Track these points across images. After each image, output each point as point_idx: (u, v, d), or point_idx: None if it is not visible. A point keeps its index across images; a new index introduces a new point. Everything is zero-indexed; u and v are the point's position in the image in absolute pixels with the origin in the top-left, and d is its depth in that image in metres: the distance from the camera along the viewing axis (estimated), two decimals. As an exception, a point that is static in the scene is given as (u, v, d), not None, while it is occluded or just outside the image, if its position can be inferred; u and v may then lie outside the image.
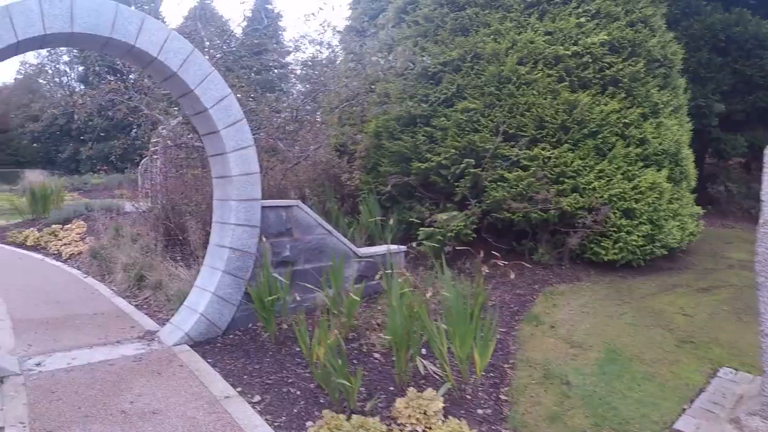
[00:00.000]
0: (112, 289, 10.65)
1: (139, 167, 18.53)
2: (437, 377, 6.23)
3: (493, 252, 9.03)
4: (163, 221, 11.88)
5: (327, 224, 8.80)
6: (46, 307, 9.46)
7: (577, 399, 6.19)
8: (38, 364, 6.65)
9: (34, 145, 61.46)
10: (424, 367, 6.20)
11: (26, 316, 8.86)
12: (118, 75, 14.21)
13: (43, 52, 65.82)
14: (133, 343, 7.45)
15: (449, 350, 6.09)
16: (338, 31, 17.39)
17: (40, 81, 69.72)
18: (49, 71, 69.55)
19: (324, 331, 5.91)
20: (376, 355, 6.90)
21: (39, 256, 14.80)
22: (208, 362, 6.78)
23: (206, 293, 7.62)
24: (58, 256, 14.52)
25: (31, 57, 70.72)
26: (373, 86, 12.21)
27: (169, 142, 13.02)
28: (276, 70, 34.42)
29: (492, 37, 11.02)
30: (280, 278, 7.55)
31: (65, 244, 14.99)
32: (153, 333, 7.86)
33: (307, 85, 13.59)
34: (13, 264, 13.73)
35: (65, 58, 66.24)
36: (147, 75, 12.50)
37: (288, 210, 8.23)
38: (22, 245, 16.45)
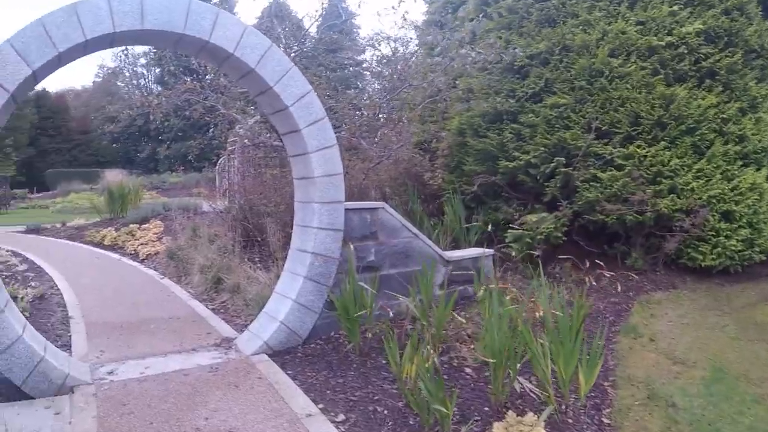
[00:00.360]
0: (189, 292, 10.47)
1: (217, 166, 18.50)
2: (533, 396, 5.76)
3: (584, 256, 8.73)
4: (241, 222, 11.68)
5: (413, 227, 8.36)
6: (121, 309, 9.33)
7: (685, 424, 5.74)
8: (110, 373, 6.40)
9: (114, 145, 63.32)
10: (521, 385, 5.72)
11: (101, 319, 8.73)
12: (194, 75, 14.04)
13: (120, 54, 67.49)
14: (209, 352, 7.13)
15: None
16: (417, 26, 17.02)
17: (118, 84, 71.71)
18: (127, 74, 71.44)
19: (414, 347, 5.48)
20: (468, 371, 6.42)
21: (116, 255, 14.85)
22: (288, 374, 6.38)
23: (287, 300, 7.25)
24: (134, 256, 14.53)
25: (109, 60, 72.72)
26: (456, 81, 11.76)
27: (246, 141, 12.81)
28: (351, 68, 34.40)
29: (581, 27, 10.47)
30: (366, 286, 7.12)
31: (142, 244, 14.99)
32: (230, 340, 7.54)
33: (384, 83, 13.24)
34: (90, 263, 13.78)
35: (142, 60, 68.25)
36: (223, 73, 12.32)
37: (373, 212, 7.81)
38: (99, 244, 16.65)
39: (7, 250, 15.01)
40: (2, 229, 22.26)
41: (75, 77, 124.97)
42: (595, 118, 9.82)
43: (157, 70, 62.45)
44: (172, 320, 8.63)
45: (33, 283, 10.95)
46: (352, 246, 7.40)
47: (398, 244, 8.03)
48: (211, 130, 14.95)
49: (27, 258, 14.20)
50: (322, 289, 7.29)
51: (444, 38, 11.23)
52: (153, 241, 15.03)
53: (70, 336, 7.97)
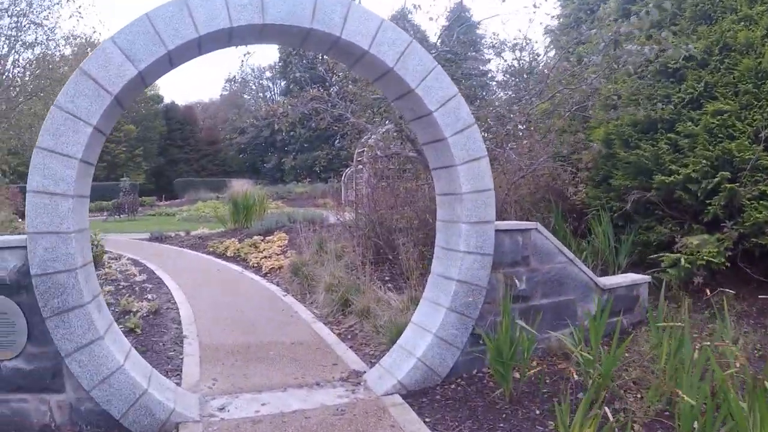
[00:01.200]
0: (313, 312, 9.79)
1: (343, 177, 18.08)
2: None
3: (744, 284, 8.11)
4: (371, 238, 10.99)
5: (568, 251, 7.30)
6: (238, 330, 8.76)
7: None
8: (221, 409, 5.73)
9: (241, 156, 65.12)
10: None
11: (216, 340, 8.19)
12: (320, 84, 13.46)
13: (245, 65, 69.74)
14: (334, 388, 6.34)
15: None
16: (551, 30, 16.11)
17: (245, 96, 74.00)
18: (253, 87, 73.53)
19: (587, 407, 4.48)
20: (637, 428, 5.32)
21: (238, 268, 14.49)
22: (426, 422, 5.47)
23: (426, 334, 6.37)
24: (257, 269, 14.11)
25: (236, 74, 75.60)
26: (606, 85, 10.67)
27: (377, 152, 12.07)
28: (477, 78, 33.54)
29: (742, 24, 9.24)
30: (524, 324, 6.13)
31: (265, 257, 14.57)
32: (359, 374, 6.72)
33: (511, 91, 12.32)
34: (211, 276, 13.47)
35: (268, 74, 70.20)
36: (351, 81, 11.66)
37: (525, 234, 6.81)
38: (221, 255, 16.49)
39: (129, 258, 15.09)
40: (128, 236, 22.58)
41: (203, 91, 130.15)
42: (763, 127, 8.56)
43: (282, 83, 63.70)
44: (294, 346, 7.93)
45: (149, 296, 10.71)
46: (501, 272, 6.50)
47: (551, 270, 7.02)
48: (337, 140, 14.39)
49: (147, 267, 14.12)
50: (467, 322, 6.37)
51: (607, 36, 10.11)
52: (277, 255, 14.59)
53: (181, 359, 7.44)
